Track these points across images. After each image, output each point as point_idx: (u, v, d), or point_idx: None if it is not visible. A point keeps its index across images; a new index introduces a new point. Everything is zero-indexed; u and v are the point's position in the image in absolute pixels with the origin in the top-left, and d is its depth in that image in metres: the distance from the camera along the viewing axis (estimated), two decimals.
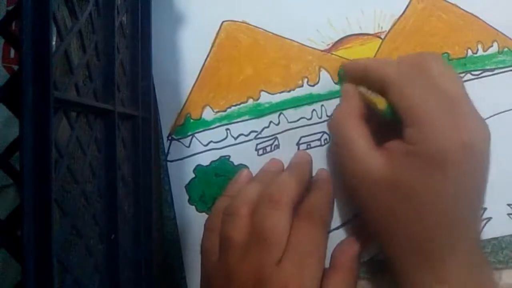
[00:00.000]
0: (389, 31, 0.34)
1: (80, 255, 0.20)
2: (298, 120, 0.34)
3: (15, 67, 0.29)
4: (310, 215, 0.27)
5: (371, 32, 0.34)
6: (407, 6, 0.34)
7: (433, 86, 0.25)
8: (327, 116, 0.33)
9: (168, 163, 0.34)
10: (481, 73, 0.34)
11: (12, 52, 0.30)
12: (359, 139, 0.26)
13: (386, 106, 0.27)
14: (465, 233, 0.24)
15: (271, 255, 0.26)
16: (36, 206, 0.15)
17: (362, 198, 0.26)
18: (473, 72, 0.34)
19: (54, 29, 0.16)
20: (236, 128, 0.34)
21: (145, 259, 0.29)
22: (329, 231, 0.31)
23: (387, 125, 0.27)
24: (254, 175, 0.32)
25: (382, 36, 0.34)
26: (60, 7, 0.17)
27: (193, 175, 0.34)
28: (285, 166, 0.32)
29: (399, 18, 0.34)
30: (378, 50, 0.34)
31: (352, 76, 0.30)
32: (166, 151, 0.34)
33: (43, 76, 0.15)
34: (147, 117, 0.30)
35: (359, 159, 0.26)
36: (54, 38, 0.16)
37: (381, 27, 0.34)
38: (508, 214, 0.32)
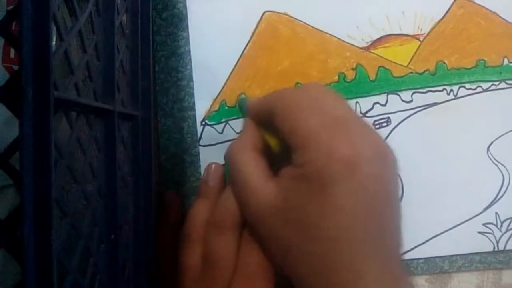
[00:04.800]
0: (428, 34, 0.35)
1: (80, 255, 0.20)
2: None
3: (15, 67, 0.29)
4: (255, 236, 0.27)
5: (411, 33, 0.35)
6: (447, 10, 0.35)
7: (316, 108, 0.24)
8: (361, 113, 0.34)
9: (200, 147, 0.35)
10: None
11: (12, 52, 0.30)
12: (252, 171, 0.26)
13: (275, 141, 0.27)
14: (371, 251, 0.22)
15: (220, 278, 0.26)
16: (36, 206, 0.15)
17: (259, 232, 0.25)
18: (507, 81, 0.34)
19: (54, 29, 0.16)
20: None
21: (145, 259, 0.29)
22: None
23: (286, 154, 0.26)
24: None
25: (421, 38, 0.35)
26: (60, 7, 0.17)
27: (224, 162, 0.34)
28: None
29: (439, 22, 0.35)
30: (416, 52, 0.35)
31: (252, 111, 0.29)
32: (198, 136, 0.35)
33: (43, 76, 0.15)
34: (147, 117, 0.30)
35: (251, 191, 0.25)
36: (54, 38, 0.16)
37: (421, 29, 0.35)
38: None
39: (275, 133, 0.27)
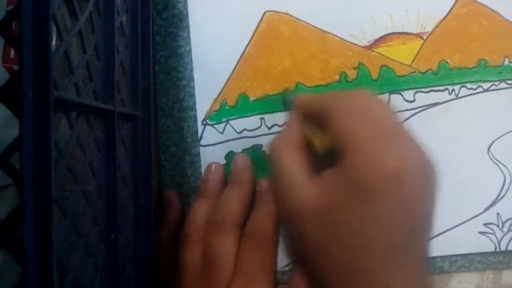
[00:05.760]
0: (431, 32, 0.34)
1: (80, 255, 0.20)
2: None
3: (15, 67, 0.29)
4: (254, 235, 0.27)
5: (414, 31, 0.35)
6: (450, 9, 0.35)
7: (370, 116, 0.24)
8: None
9: (201, 147, 0.35)
10: None
11: (12, 52, 0.30)
12: (296, 169, 0.26)
13: (321, 141, 0.27)
14: (401, 260, 0.23)
15: (220, 278, 0.26)
16: (36, 206, 0.15)
17: (294, 230, 0.26)
18: (508, 81, 0.34)
19: (54, 29, 0.16)
20: (271, 118, 0.34)
21: (145, 259, 0.29)
22: (278, 246, 0.30)
23: (329, 155, 0.26)
24: None
25: (424, 37, 0.34)
26: (60, 7, 0.17)
27: (225, 161, 0.34)
28: None
29: (442, 20, 0.35)
30: (419, 51, 0.35)
31: (299, 107, 0.29)
32: (199, 136, 0.35)
33: (43, 76, 0.15)
34: (147, 117, 0.30)
35: (294, 190, 0.25)
36: (54, 38, 0.16)
37: (424, 28, 0.35)
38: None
39: (322, 133, 0.26)
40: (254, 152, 0.34)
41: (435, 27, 0.35)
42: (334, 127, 0.25)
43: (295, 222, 0.25)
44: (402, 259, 0.23)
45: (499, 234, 0.36)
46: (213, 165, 0.32)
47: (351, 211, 0.23)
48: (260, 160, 0.34)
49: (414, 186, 0.23)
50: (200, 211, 0.29)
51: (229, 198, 0.28)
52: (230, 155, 0.34)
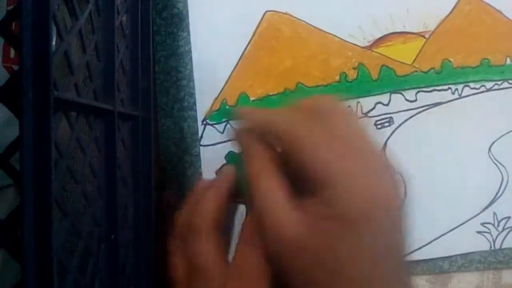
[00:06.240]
0: (434, 31, 0.34)
1: (80, 255, 0.20)
2: None
3: (15, 67, 0.29)
4: (248, 239, 0.26)
5: (415, 30, 0.35)
6: (454, 7, 0.35)
7: (333, 137, 0.24)
8: (362, 113, 0.34)
9: (201, 147, 0.35)
10: None
11: (12, 52, 0.30)
12: (277, 199, 0.25)
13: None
14: (389, 285, 0.23)
15: (207, 283, 0.25)
16: (36, 206, 0.15)
17: (280, 263, 0.25)
18: (510, 81, 0.34)
19: (54, 29, 0.16)
20: None
21: (145, 259, 0.29)
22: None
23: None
24: None
25: (426, 36, 0.34)
26: (60, 7, 0.17)
27: (225, 161, 0.34)
28: None
29: (445, 18, 0.35)
30: (421, 50, 0.34)
31: (248, 125, 0.28)
32: (199, 135, 0.35)
33: (43, 76, 0.15)
34: (147, 117, 0.30)
35: (276, 222, 0.24)
36: (54, 38, 0.16)
37: (426, 26, 0.35)
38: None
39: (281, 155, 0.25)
40: None
41: (438, 25, 0.35)
42: (309, 160, 0.24)
43: (279, 255, 0.24)
44: (390, 284, 0.23)
45: (494, 233, 0.36)
46: (204, 181, 0.31)
47: (337, 243, 0.23)
48: None
49: (399, 214, 0.23)
50: (181, 215, 0.29)
51: (204, 201, 0.27)
52: (230, 155, 0.35)
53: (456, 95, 0.36)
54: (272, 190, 0.25)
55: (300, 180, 0.24)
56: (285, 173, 0.26)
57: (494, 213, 0.37)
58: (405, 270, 0.24)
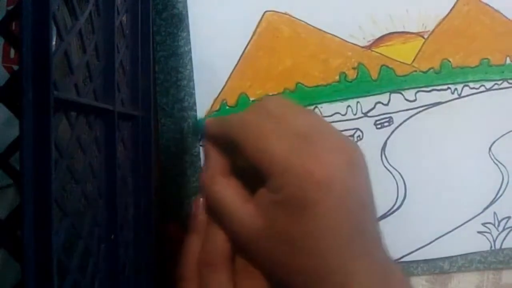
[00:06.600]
0: (432, 31, 0.34)
1: (80, 255, 0.20)
2: (332, 115, 0.34)
3: (15, 67, 0.29)
4: (247, 272, 0.27)
5: (414, 30, 0.35)
6: (453, 7, 0.35)
7: (279, 130, 0.25)
8: (362, 113, 0.34)
9: (201, 147, 0.35)
10: None
11: (12, 52, 0.30)
12: (229, 198, 0.26)
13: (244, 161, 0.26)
14: (357, 254, 0.23)
15: None
16: (36, 206, 0.15)
17: (249, 255, 0.26)
18: (509, 81, 0.34)
19: (54, 29, 0.16)
20: None
21: (145, 259, 0.29)
22: None
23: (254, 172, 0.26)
24: None
25: (425, 36, 0.34)
26: (60, 7, 0.17)
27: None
28: None
29: (444, 18, 0.35)
30: (420, 50, 0.35)
31: (210, 136, 0.29)
32: (199, 135, 0.35)
33: (43, 76, 0.15)
34: (147, 117, 0.30)
35: (232, 218, 0.25)
36: (54, 38, 0.16)
37: (425, 27, 0.35)
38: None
39: (239, 157, 0.26)
40: None
41: (437, 25, 0.35)
42: (249, 155, 0.25)
43: (245, 246, 0.25)
44: (359, 253, 0.23)
45: (495, 232, 0.36)
46: (201, 199, 0.31)
47: (294, 227, 0.23)
48: None
49: (345, 186, 0.23)
50: (192, 248, 0.28)
51: (216, 233, 0.27)
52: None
53: (455, 95, 0.36)
54: (223, 191, 0.27)
55: (256, 176, 0.25)
56: (244, 172, 0.27)
57: (495, 213, 0.37)
58: (373, 233, 0.25)
